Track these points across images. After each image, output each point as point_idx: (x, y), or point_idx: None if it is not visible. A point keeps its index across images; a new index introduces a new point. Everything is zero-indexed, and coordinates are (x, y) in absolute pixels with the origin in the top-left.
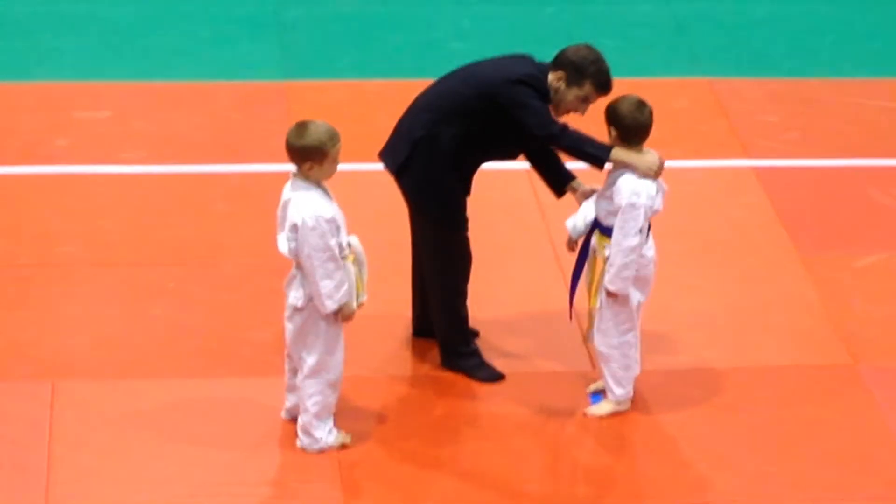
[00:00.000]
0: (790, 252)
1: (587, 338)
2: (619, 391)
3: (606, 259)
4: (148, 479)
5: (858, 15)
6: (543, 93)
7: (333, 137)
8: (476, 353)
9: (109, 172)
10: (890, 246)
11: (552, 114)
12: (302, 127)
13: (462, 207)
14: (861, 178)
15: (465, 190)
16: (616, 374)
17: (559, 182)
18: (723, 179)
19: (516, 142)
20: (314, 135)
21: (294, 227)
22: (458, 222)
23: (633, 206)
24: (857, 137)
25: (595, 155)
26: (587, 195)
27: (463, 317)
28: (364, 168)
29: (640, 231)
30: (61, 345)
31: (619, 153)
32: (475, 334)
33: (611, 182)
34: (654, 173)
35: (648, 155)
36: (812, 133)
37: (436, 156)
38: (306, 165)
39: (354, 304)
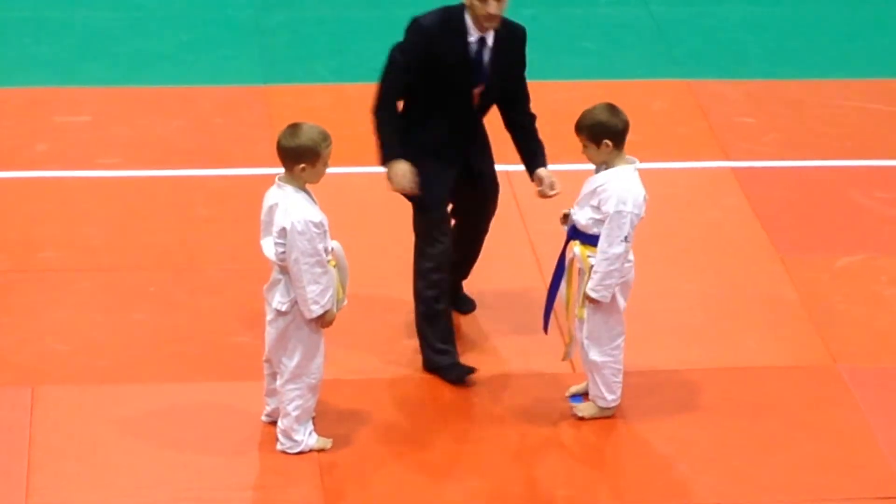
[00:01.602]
0: (770, 253)
1: (566, 354)
2: (611, 396)
3: (592, 267)
4: (129, 484)
5: (836, 17)
6: (415, 41)
7: (326, 138)
8: (448, 353)
9: (89, 177)
10: (869, 246)
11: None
12: (294, 128)
13: (427, 186)
14: (840, 179)
15: (434, 167)
16: (608, 380)
17: (529, 163)
18: (702, 181)
19: (442, 90)
20: (308, 135)
21: (282, 232)
22: (422, 201)
23: (620, 213)
24: (835, 139)
25: (379, 154)
26: (544, 195)
27: (435, 310)
28: (344, 171)
29: (626, 239)
30: (41, 350)
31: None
32: (451, 332)
33: (593, 190)
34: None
35: (397, 173)
36: (791, 134)
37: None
38: (299, 167)
39: (335, 310)
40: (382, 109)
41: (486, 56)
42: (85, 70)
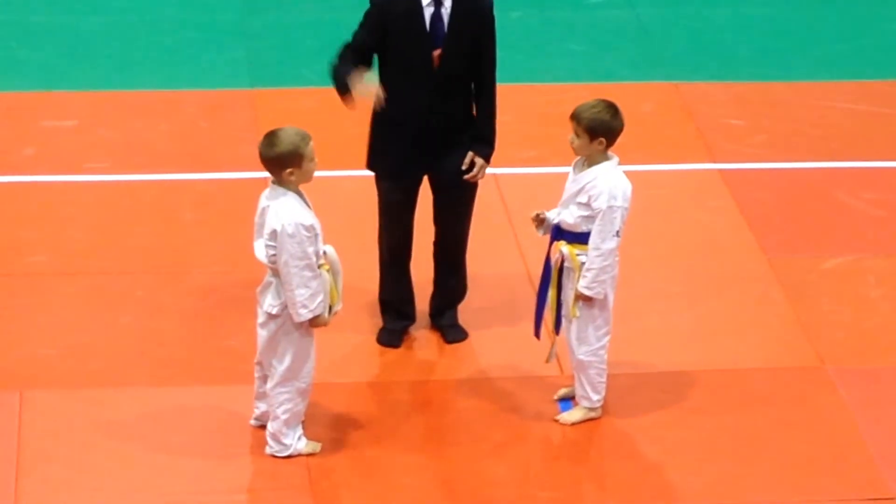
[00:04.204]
0: (757, 255)
1: (549, 356)
2: (596, 397)
3: (582, 265)
4: (117, 488)
5: (822, 18)
6: (373, 2)
7: (304, 137)
8: (387, 322)
9: (76, 181)
10: (856, 247)
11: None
12: (272, 136)
13: (381, 153)
14: (827, 180)
15: (390, 135)
16: (593, 380)
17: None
18: (689, 183)
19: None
20: (286, 140)
21: (273, 234)
22: (377, 166)
23: (611, 209)
24: (822, 140)
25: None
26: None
27: (386, 283)
28: (333, 175)
29: (618, 234)
30: (29, 354)
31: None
32: (406, 315)
33: (580, 188)
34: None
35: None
36: (778, 136)
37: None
38: (286, 172)
39: (327, 315)
40: (351, 41)
41: (445, 20)
42: (71, 74)
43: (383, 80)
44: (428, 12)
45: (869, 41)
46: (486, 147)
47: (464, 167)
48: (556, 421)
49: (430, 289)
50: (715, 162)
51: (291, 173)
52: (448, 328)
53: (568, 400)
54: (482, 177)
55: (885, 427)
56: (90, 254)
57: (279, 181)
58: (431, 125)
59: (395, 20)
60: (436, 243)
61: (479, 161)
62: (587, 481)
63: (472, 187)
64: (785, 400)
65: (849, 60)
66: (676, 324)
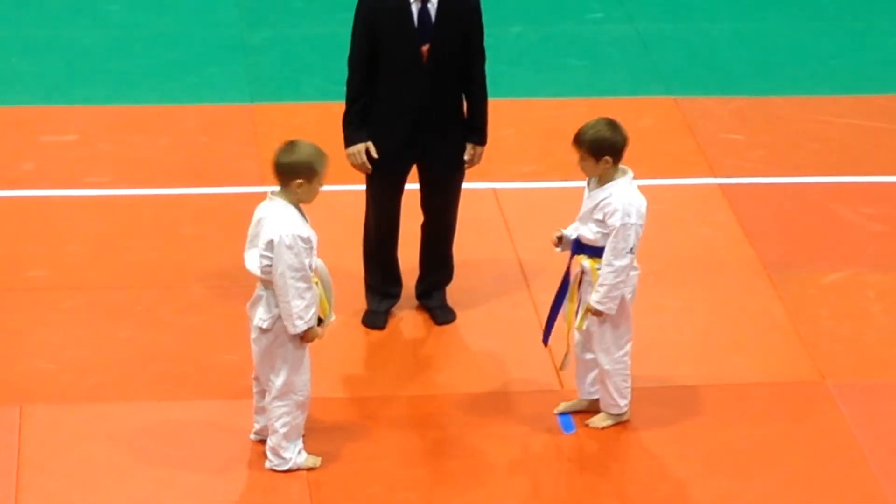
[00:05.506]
0: (757, 269)
1: (563, 365)
2: (623, 402)
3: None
4: (117, 502)
5: (821, 33)
6: (361, 4)
7: (324, 156)
8: (371, 304)
9: (76, 196)
10: (856, 262)
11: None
12: (291, 144)
13: (374, 145)
14: (826, 195)
15: (382, 128)
16: (619, 386)
17: (466, 134)
18: (689, 198)
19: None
20: (305, 151)
21: (269, 244)
22: (369, 159)
23: (625, 226)
24: (821, 155)
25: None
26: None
27: (371, 268)
28: (331, 189)
29: (631, 251)
30: (29, 369)
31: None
32: (392, 295)
33: (595, 205)
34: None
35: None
36: (777, 151)
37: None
38: (296, 182)
39: (323, 327)
40: (352, 62)
41: (433, 16)
42: (71, 89)
43: (376, 73)
44: (415, 8)
45: (868, 56)
46: (480, 135)
47: (465, 158)
48: (587, 425)
49: (415, 272)
50: (715, 177)
51: (300, 185)
52: (437, 310)
53: (568, 414)
54: (478, 162)
55: (885, 441)
56: (90, 268)
57: (285, 191)
58: (422, 119)
59: (383, 17)
60: (424, 228)
61: (477, 150)
62: (589, 496)
63: (460, 176)
64: (785, 414)
65: (848, 75)
66: (676, 338)
